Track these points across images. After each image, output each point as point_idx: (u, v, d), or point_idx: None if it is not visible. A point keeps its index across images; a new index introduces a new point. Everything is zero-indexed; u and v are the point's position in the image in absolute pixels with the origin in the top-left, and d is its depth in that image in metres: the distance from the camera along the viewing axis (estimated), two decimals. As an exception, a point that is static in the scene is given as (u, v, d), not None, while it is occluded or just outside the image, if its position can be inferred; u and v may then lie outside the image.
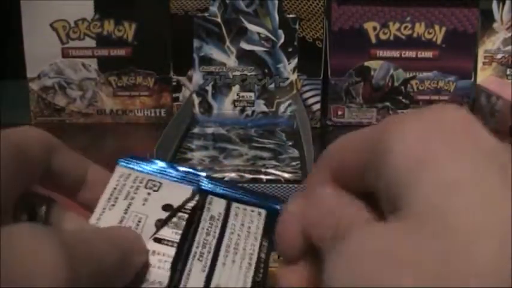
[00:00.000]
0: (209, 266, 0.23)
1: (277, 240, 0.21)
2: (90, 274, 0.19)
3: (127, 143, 0.76)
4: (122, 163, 0.25)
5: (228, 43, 0.75)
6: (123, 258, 0.21)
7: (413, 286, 0.14)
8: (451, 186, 0.16)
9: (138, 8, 0.78)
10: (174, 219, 0.24)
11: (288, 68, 0.76)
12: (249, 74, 0.76)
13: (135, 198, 0.24)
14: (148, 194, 0.24)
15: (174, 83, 0.79)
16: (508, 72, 0.83)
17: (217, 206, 0.25)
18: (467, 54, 0.80)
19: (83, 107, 0.80)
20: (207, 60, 0.76)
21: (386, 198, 0.17)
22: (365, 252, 0.16)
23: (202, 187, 0.25)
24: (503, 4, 0.80)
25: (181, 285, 0.22)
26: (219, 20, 0.75)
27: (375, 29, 0.78)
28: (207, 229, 0.24)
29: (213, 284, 0.22)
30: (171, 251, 0.23)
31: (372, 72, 0.79)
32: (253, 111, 0.77)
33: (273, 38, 0.75)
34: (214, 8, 0.74)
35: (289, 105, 0.77)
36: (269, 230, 0.24)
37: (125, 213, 0.23)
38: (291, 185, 0.55)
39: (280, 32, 0.75)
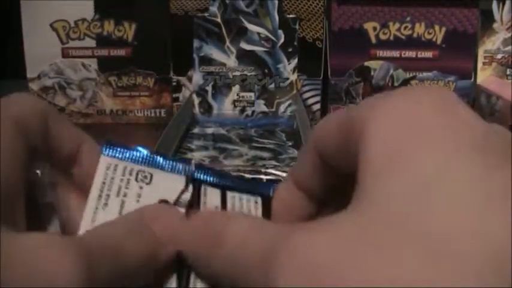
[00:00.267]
0: None
1: None
2: (112, 280, 0.18)
3: (127, 143, 0.75)
4: (106, 151, 0.24)
5: (228, 43, 0.75)
6: (150, 254, 0.20)
7: None
8: (420, 187, 0.15)
9: (138, 8, 0.78)
10: None
11: (288, 68, 0.76)
12: (249, 74, 0.76)
13: (128, 195, 0.23)
14: (141, 188, 0.23)
15: (174, 83, 0.79)
16: (508, 72, 0.83)
17: (212, 197, 0.24)
18: (467, 54, 0.80)
19: (83, 107, 0.80)
20: (207, 61, 0.76)
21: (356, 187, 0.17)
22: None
23: (194, 176, 0.24)
24: (503, 4, 0.80)
25: (190, 285, 0.21)
26: (219, 20, 0.75)
27: (375, 29, 0.78)
28: None
29: None
30: None
31: (372, 73, 0.79)
32: (253, 112, 0.77)
33: (273, 38, 0.75)
34: (214, 8, 0.74)
35: (289, 105, 0.77)
36: (265, 216, 0.24)
37: (120, 213, 0.22)
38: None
39: (280, 32, 0.75)
